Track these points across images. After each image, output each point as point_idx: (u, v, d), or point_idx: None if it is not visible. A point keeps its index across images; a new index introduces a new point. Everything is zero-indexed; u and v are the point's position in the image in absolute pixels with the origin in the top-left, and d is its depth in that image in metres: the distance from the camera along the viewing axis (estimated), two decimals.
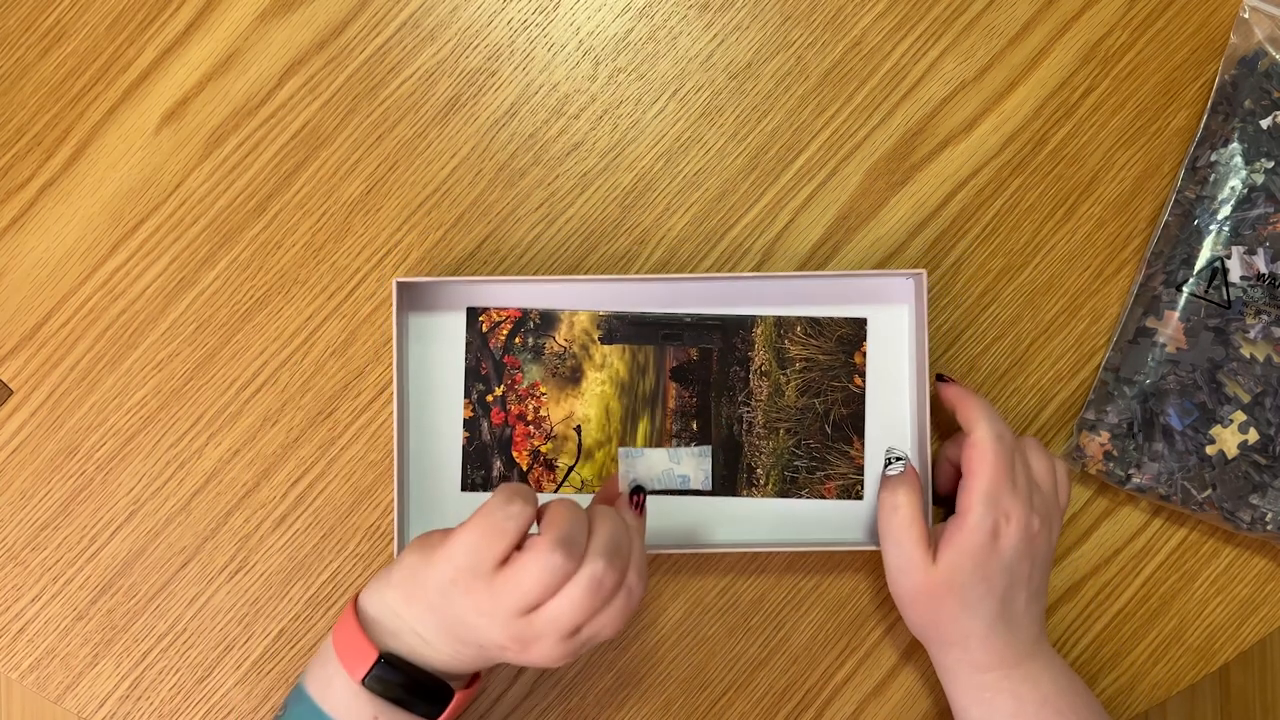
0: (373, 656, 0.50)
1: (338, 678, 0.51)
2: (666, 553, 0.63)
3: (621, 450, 0.59)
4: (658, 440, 0.63)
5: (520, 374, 0.63)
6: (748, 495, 0.63)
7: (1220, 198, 0.61)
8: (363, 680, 0.50)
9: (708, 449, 0.60)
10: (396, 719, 0.50)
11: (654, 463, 0.60)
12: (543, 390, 0.63)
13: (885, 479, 0.58)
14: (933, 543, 0.56)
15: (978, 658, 0.56)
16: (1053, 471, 0.58)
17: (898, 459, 0.59)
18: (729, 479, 0.63)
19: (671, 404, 0.63)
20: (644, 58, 0.65)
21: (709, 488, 0.60)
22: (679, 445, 0.62)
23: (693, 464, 0.60)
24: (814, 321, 0.63)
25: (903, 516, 0.56)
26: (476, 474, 0.63)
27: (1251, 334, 0.60)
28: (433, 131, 0.65)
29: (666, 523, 0.63)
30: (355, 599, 0.53)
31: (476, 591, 0.48)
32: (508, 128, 0.65)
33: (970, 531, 0.54)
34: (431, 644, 0.51)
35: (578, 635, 0.49)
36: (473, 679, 0.54)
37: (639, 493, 0.56)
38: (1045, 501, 0.56)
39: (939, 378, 0.60)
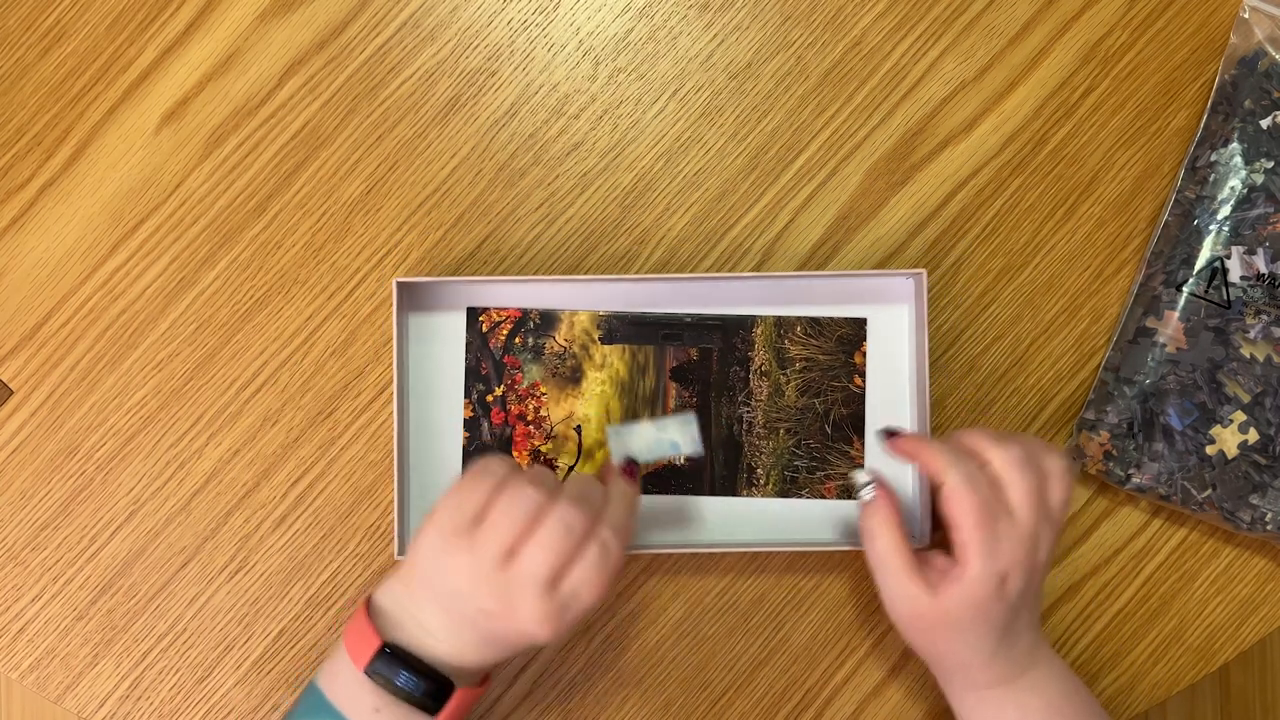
0: (376, 645, 0.50)
1: (345, 669, 0.51)
2: (666, 553, 0.63)
3: (609, 429, 0.59)
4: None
5: (520, 374, 0.63)
6: (748, 495, 0.63)
7: (1220, 198, 0.61)
8: (365, 669, 0.50)
9: (690, 414, 0.59)
10: (398, 712, 0.50)
11: (641, 434, 0.59)
12: (543, 390, 0.63)
13: (860, 505, 0.56)
14: (925, 570, 0.54)
15: (979, 678, 0.55)
16: (1039, 478, 0.53)
17: (866, 483, 0.56)
18: (729, 479, 0.63)
19: (671, 404, 0.63)
20: (644, 58, 0.65)
21: (700, 451, 0.59)
22: (662, 416, 0.62)
23: (678, 429, 0.59)
24: (814, 321, 0.63)
25: (881, 546, 0.54)
26: None
27: (1251, 334, 0.60)
28: (433, 131, 0.65)
29: (667, 523, 0.63)
30: (370, 594, 0.53)
31: (459, 549, 0.49)
32: (508, 128, 0.65)
33: (973, 584, 0.52)
34: (433, 633, 0.51)
35: (558, 590, 0.49)
36: (482, 681, 0.54)
37: (631, 464, 0.57)
38: (1044, 517, 0.53)
39: (887, 434, 0.57)
